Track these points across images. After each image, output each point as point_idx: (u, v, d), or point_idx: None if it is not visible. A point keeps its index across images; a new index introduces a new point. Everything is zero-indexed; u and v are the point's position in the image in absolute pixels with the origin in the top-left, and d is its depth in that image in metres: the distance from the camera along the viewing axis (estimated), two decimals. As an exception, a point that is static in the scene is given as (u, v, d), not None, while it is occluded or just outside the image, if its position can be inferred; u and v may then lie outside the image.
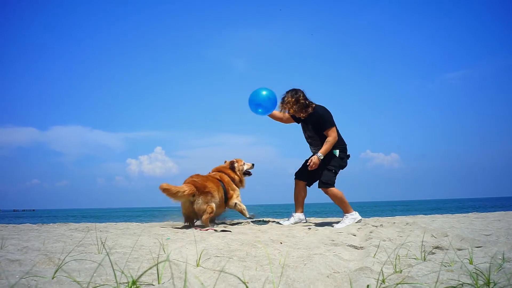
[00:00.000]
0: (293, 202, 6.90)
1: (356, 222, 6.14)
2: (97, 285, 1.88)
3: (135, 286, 1.77)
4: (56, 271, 2.14)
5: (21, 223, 7.45)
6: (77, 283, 1.89)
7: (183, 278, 1.97)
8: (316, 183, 6.55)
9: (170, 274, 2.10)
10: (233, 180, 6.73)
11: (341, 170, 6.47)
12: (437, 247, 3.30)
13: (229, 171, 6.80)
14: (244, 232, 4.85)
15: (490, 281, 1.83)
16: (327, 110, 6.42)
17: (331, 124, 6.30)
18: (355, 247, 3.49)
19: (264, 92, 6.44)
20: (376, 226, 5.57)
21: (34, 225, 7.07)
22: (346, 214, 6.26)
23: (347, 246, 3.55)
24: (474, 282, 1.81)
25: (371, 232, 4.58)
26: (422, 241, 3.36)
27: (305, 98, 6.35)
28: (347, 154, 6.54)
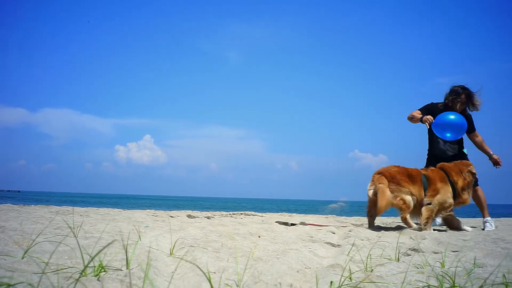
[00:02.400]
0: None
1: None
2: (66, 267, 1.87)
3: (102, 269, 1.76)
4: (26, 251, 2.13)
5: (2, 203, 7.41)
6: (46, 264, 1.88)
7: (152, 265, 1.96)
8: None
9: (141, 260, 2.10)
10: (453, 183, 5.69)
11: None
12: (413, 249, 3.32)
13: (451, 170, 5.79)
14: (224, 224, 4.85)
15: (456, 285, 1.84)
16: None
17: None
18: (332, 245, 3.51)
19: (452, 117, 6.22)
20: (357, 226, 5.60)
21: (15, 205, 7.03)
22: (487, 218, 6.11)
23: (325, 243, 3.56)
24: (440, 285, 1.83)
25: (350, 231, 4.60)
26: (398, 242, 3.38)
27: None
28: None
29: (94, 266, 1.74)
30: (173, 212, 7.03)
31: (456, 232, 5.13)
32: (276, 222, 5.40)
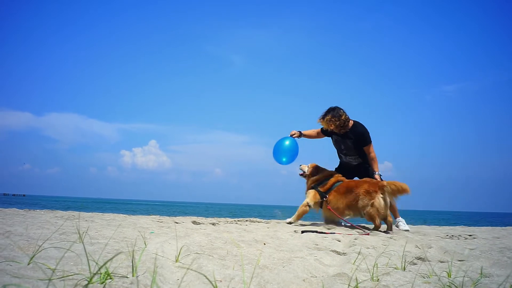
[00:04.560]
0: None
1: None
2: (72, 273, 1.87)
3: (108, 277, 1.76)
4: (32, 257, 2.13)
5: (8, 208, 7.43)
6: (52, 271, 1.88)
7: (158, 272, 1.96)
8: None
9: (146, 267, 2.09)
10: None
11: None
12: (419, 258, 3.30)
13: None
14: (229, 231, 4.84)
15: (463, 295, 1.83)
16: (365, 127, 7.01)
17: (370, 141, 6.93)
18: (338, 253, 3.49)
19: (287, 142, 7.16)
20: (362, 234, 5.57)
21: (21, 210, 7.05)
22: (399, 219, 6.84)
23: (330, 251, 3.54)
24: (447, 295, 1.81)
25: (355, 239, 4.57)
26: (404, 251, 3.36)
27: (346, 116, 6.86)
28: None
29: (100, 273, 1.74)
30: (178, 218, 7.02)
31: (462, 241, 5.10)
32: (302, 231, 5.30)
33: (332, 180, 6.77)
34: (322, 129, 7.21)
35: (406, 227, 6.73)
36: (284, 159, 7.14)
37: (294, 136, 7.35)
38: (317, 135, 7.42)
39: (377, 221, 6.13)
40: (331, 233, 5.20)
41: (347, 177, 6.91)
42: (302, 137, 7.46)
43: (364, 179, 6.60)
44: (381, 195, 6.16)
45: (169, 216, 7.82)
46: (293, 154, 7.19)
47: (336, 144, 7.25)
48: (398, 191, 6.19)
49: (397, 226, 6.74)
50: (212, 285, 1.50)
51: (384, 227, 6.38)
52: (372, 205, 6.12)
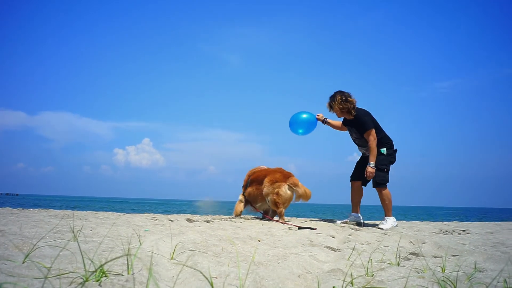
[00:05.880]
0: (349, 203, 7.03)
1: (395, 226, 6.41)
2: (67, 272, 1.87)
3: (103, 274, 1.76)
4: (27, 256, 2.12)
5: (1, 207, 7.38)
6: (47, 269, 1.87)
7: (154, 270, 1.96)
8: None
9: (142, 265, 2.09)
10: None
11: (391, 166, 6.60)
12: (413, 253, 3.32)
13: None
14: (224, 228, 4.84)
15: (457, 289, 1.84)
16: (367, 112, 6.57)
17: (369, 126, 6.39)
18: (332, 249, 3.50)
19: (304, 115, 7.07)
20: (356, 229, 5.59)
21: (14, 209, 7.00)
22: (389, 217, 6.41)
23: (325, 247, 3.55)
24: (442, 290, 1.83)
25: (350, 235, 4.60)
26: (398, 247, 3.38)
27: (353, 101, 6.51)
28: (394, 149, 6.62)
29: (96, 271, 1.74)
30: (172, 216, 7.01)
31: (455, 236, 5.13)
32: (298, 227, 5.33)
33: (247, 177, 7.33)
34: (343, 121, 6.90)
35: (386, 225, 6.26)
36: (300, 131, 7.10)
37: (318, 118, 7.10)
38: (341, 127, 7.07)
39: (281, 207, 6.52)
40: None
41: (362, 170, 6.66)
42: (327, 125, 7.18)
43: (275, 169, 6.89)
44: (288, 186, 6.50)
45: (163, 214, 7.80)
46: (309, 125, 7.10)
47: (350, 134, 6.89)
48: (300, 196, 6.54)
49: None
50: (208, 281, 1.50)
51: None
52: (277, 193, 6.48)
